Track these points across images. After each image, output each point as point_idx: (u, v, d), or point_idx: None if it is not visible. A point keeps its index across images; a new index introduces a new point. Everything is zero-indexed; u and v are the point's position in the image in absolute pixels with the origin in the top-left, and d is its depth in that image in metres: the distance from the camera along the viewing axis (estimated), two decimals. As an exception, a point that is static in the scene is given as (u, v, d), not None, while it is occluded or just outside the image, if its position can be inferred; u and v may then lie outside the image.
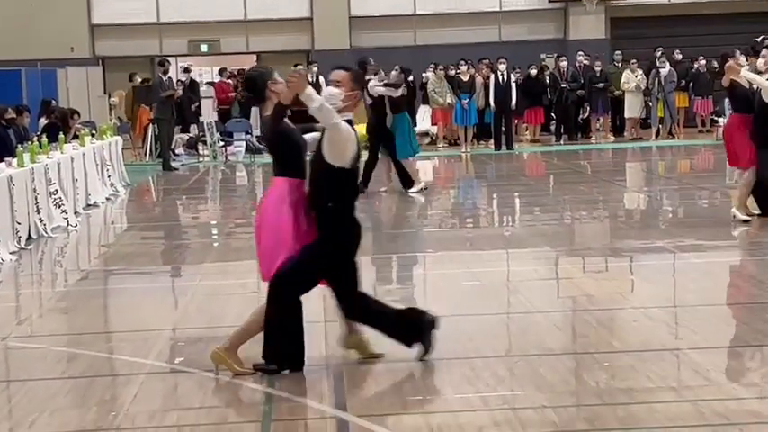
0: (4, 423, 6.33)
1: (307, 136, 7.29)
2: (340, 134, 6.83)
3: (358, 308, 7.16)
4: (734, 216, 12.39)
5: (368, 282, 10.85)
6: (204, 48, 28.78)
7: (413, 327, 7.11)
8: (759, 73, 12.25)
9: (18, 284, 11.10)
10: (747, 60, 13.47)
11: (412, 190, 16.82)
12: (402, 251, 12.49)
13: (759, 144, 12.07)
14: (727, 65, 12.81)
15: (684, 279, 10.40)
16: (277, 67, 7.63)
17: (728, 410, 6.08)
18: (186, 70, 26.66)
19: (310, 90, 6.78)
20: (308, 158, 7.18)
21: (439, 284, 10.52)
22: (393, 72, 18.10)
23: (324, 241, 6.91)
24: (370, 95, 16.46)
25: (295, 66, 25.71)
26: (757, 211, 12.60)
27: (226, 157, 23.98)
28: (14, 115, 16.65)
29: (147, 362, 7.34)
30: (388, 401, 6.49)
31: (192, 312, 7.55)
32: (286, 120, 7.16)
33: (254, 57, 28.72)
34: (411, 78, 26.22)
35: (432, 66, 26.23)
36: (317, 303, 9.11)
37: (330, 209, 6.91)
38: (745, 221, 12.42)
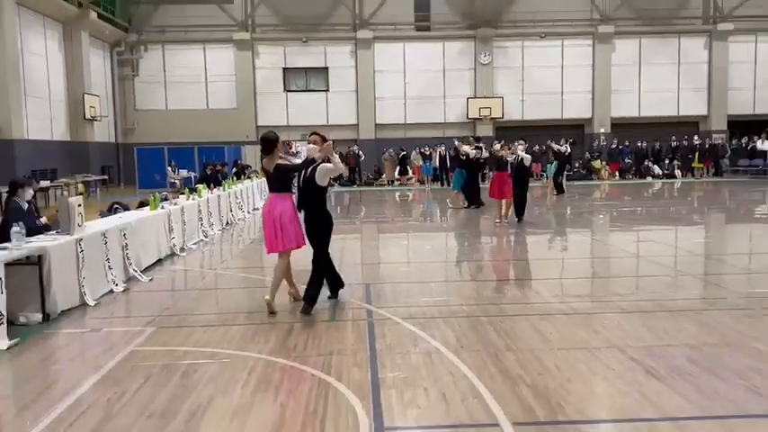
0: (215, 316, 6.08)
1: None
2: (335, 170, 6.04)
3: (324, 260, 6.22)
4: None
5: (379, 243, 10.83)
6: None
7: (335, 284, 6.51)
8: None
9: (222, 244, 11.16)
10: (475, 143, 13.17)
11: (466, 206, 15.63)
12: (391, 232, 12.25)
13: (515, 187, 12.18)
14: (494, 149, 13.08)
15: (563, 256, 10.08)
16: (339, 147, 7.39)
17: (548, 309, 6.07)
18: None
19: (333, 153, 6.10)
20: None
21: (412, 247, 10.37)
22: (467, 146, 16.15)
23: (320, 225, 6.08)
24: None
25: (350, 146, 25.82)
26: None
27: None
28: (220, 167, 16.82)
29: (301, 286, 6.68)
30: (391, 300, 6.46)
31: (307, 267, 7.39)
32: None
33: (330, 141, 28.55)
34: (404, 152, 26.24)
35: (401, 149, 26.03)
36: (357, 254, 9.16)
37: (320, 207, 6.11)
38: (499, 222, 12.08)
